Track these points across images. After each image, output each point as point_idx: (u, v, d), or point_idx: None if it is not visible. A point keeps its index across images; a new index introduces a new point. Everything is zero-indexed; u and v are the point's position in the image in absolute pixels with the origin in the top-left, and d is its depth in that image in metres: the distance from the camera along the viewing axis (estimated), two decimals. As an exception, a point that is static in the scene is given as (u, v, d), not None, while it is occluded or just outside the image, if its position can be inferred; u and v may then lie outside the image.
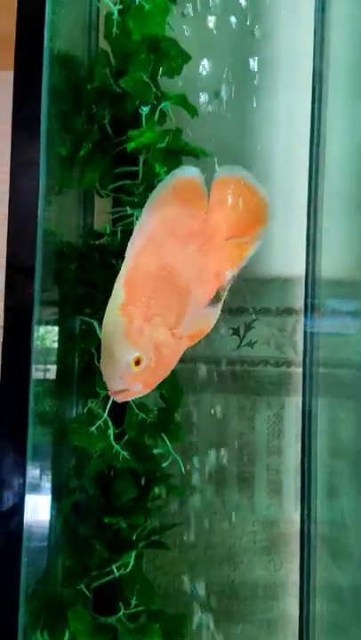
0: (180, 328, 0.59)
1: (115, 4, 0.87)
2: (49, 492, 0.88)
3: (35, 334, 0.77)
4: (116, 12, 0.86)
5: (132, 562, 0.85)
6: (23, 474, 0.76)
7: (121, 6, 0.86)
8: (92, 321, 0.88)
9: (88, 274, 0.88)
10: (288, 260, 1.04)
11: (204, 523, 1.01)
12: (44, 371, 0.87)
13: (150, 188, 0.85)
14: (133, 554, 0.85)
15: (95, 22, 1.00)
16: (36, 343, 0.78)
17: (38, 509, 0.85)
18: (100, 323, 0.89)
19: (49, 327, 0.88)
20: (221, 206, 0.63)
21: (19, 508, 0.74)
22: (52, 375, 0.90)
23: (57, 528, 0.89)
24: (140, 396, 0.60)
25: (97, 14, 1.00)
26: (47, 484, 0.88)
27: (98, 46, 0.98)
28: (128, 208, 0.86)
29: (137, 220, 0.87)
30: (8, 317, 0.76)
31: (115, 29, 0.87)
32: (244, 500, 1.03)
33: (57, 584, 0.89)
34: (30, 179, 0.75)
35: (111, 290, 0.88)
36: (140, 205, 0.85)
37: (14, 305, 0.76)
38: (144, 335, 0.57)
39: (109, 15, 0.88)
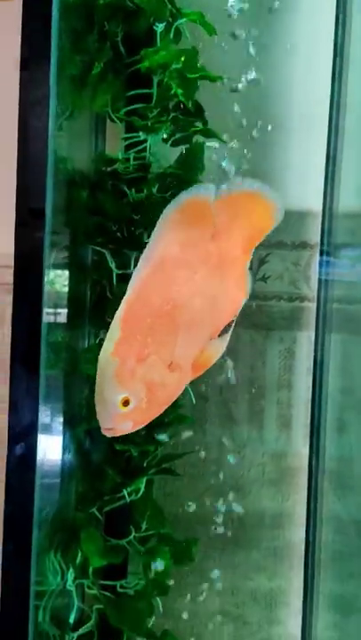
0: (182, 362, 0.56)
1: None
2: (62, 420, 0.90)
3: (46, 267, 0.76)
4: None
5: (142, 488, 0.87)
6: (36, 401, 0.76)
7: None
8: (104, 251, 0.86)
9: (100, 202, 0.86)
10: (305, 193, 1.02)
11: (213, 453, 1.02)
12: (55, 303, 0.87)
13: (165, 110, 0.83)
14: (144, 480, 0.87)
15: None
16: (47, 282, 0.77)
17: (52, 437, 0.87)
18: (112, 253, 0.88)
19: (60, 259, 0.87)
20: (231, 224, 0.57)
21: (32, 431, 0.76)
22: (63, 307, 0.90)
23: (70, 454, 0.91)
24: (133, 431, 0.57)
25: None
26: (60, 413, 0.89)
27: None
28: (141, 133, 0.83)
29: (150, 146, 0.85)
30: (19, 258, 0.75)
31: None
32: (253, 433, 1.04)
33: (70, 508, 0.92)
34: (40, 119, 0.72)
35: (123, 218, 0.87)
36: (154, 130, 0.83)
37: (25, 240, 0.75)
38: (136, 376, 0.54)
39: None
